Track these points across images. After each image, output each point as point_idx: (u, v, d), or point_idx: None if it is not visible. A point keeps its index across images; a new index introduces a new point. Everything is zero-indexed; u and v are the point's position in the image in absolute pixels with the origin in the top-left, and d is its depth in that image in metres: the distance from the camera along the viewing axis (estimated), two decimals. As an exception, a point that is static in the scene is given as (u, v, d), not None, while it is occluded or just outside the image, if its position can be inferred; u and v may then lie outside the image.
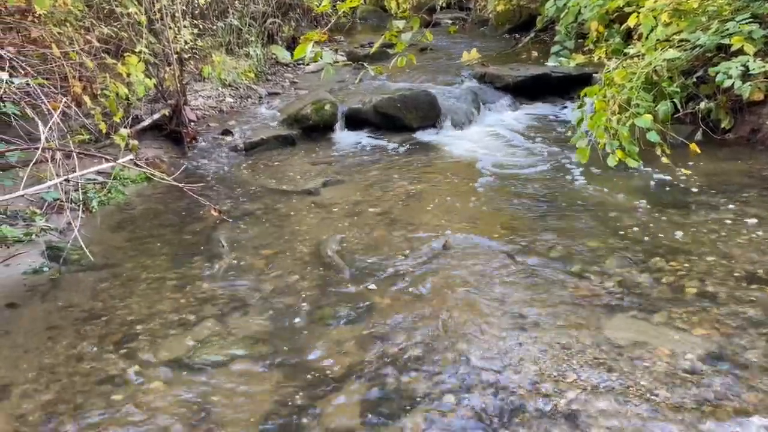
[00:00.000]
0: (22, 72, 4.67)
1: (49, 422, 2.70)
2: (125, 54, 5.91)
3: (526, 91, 8.05)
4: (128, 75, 5.62)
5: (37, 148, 3.57)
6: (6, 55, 4.69)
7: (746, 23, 5.02)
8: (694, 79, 5.66)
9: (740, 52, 4.93)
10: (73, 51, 5.41)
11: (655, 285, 3.46)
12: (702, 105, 5.58)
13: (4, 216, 4.53)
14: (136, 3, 6.24)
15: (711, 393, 2.59)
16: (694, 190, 4.73)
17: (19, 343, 3.28)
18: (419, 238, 4.29)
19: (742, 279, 3.42)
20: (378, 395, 2.77)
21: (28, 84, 4.48)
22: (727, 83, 4.95)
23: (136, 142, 5.48)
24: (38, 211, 4.62)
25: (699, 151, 4.66)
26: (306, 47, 3.16)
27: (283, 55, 4.08)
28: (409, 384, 2.82)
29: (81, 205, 4.57)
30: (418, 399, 2.72)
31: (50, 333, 3.37)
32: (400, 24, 3.90)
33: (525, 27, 11.84)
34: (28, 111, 4.51)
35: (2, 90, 4.28)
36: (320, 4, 4.06)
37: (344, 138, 7.17)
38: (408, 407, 2.67)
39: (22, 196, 3.45)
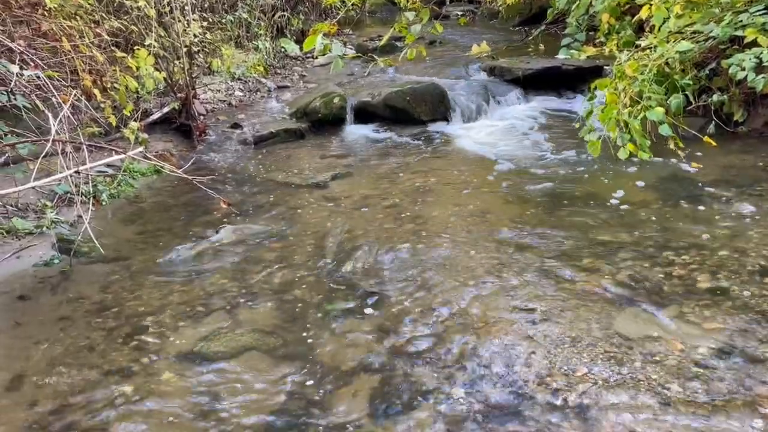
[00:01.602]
0: (33, 65, 4.68)
1: (61, 412, 2.72)
2: (135, 47, 5.91)
3: (536, 84, 7.98)
4: (138, 68, 5.62)
5: (48, 141, 3.58)
6: (17, 48, 4.71)
7: (760, 15, 4.95)
8: (707, 72, 5.59)
9: (754, 44, 4.86)
10: (84, 44, 5.42)
11: (666, 279, 3.43)
12: (715, 98, 5.51)
13: (16, 208, 4.55)
14: (145, -4, 6.24)
15: (723, 387, 2.57)
16: (707, 183, 4.69)
17: (31, 334, 3.30)
18: (428, 231, 4.27)
19: (755, 273, 3.38)
20: (387, 388, 2.76)
21: (38, 77, 4.49)
22: (741, 76, 4.89)
23: (145, 135, 5.49)
24: (49, 203, 4.64)
25: (713, 144, 4.61)
26: (315, 39, 3.15)
27: (292, 48, 4.08)
28: (418, 377, 2.81)
29: (91, 198, 4.59)
30: (428, 392, 2.71)
31: (61, 324, 3.39)
32: (409, 16, 3.88)
33: (535, 19, 11.74)
34: (39, 104, 4.53)
35: (13, 82, 4.30)
36: (329, -4, 4.04)
37: (353, 131, 7.16)
38: (417, 400, 2.67)
39: (33, 188, 3.47)
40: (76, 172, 3.44)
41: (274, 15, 10.30)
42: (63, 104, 4.16)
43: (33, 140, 4.21)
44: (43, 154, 3.66)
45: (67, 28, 5.46)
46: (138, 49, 5.74)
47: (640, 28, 6.30)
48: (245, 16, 9.44)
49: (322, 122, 7.19)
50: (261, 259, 4.07)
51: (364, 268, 3.85)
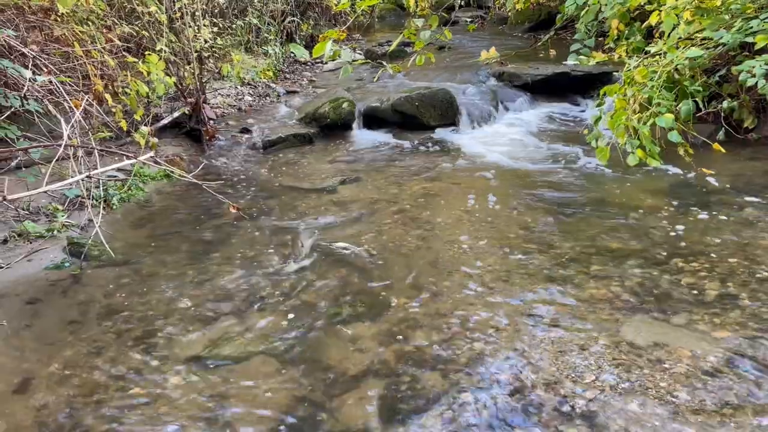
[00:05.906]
0: (45, 70, 4.74)
1: (69, 415, 2.74)
2: (146, 52, 5.96)
3: (545, 89, 7.99)
4: (149, 73, 5.67)
5: (60, 145, 3.61)
6: (29, 53, 4.76)
7: (771, 21, 4.93)
8: (717, 78, 5.57)
9: (764, 50, 4.83)
10: (95, 49, 5.48)
11: (675, 286, 3.42)
12: (725, 104, 5.48)
13: (27, 212, 4.60)
14: (156, 2, 6.30)
15: (732, 395, 2.55)
16: (716, 190, 4.67)
17: (41, 337, 3.33)
18: (436, 237, 4.28)
19: (765, 280, 3.37)
20: (395, 393, 2.76)
21: (50, 82, 4.54)
22: (751, 82, 4.86)
23: (156, 139, 5.52)
24: (60, 207, 4.68)
25: (723, 151, 4.59)
26: (325, 45, 3.17)
27: (301, 53, 4.10)
28: (426, 382, 2.81)
29: (102, 202, 4.62)
30: (436, 398, 2.71)
31: (71, 328, 3.41)
32: (418, 22, 3.90)
33: (544, 25, 11.76)
34: (51, 109, 4.57)
35: (26, 87, 4.35)
36: (339, 3, 4.06)
37: (362, 136, 7.18)
38: (425, 405, 2.67)
39: (45, 192, 3.50)
40: (88, 176, 3.48)
41: (283, 20, 10.36)
42: (75, 109, 4.20)
43: (45, 145, 4.25)
44: (56, 158, 3.70)
45: (79, 34, 5.52)
46: (149, 54, 5.79)
47: (649, 34, 6.29)
48: (255, 21, 9.50)
49: (330, 127, 7.22)
50: (270, 262, 4.09)
51: (371, 273, 3.86)
